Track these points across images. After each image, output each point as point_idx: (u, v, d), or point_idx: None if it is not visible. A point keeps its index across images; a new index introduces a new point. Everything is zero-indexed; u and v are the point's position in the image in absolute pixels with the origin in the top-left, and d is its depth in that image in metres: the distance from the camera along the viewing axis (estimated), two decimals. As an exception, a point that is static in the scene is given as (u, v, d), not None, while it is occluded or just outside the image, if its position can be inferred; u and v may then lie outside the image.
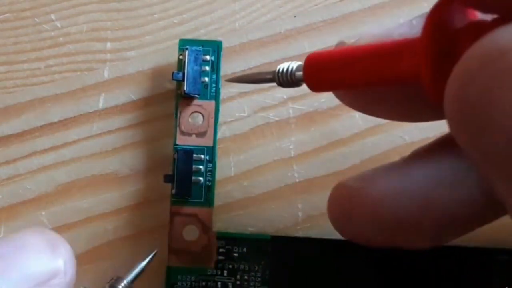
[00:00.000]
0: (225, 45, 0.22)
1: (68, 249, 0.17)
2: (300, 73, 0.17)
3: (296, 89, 0.22)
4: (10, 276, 0.15)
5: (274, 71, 0.17)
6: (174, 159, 0.21)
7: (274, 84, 0.22)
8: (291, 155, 0.22)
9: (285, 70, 0.17)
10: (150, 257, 0.20)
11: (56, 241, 0.17)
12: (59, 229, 0.22)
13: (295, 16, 0.23)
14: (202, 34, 0.23)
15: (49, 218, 0.22)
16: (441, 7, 0.13)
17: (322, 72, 0.16)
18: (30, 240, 0.16)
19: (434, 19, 0.13)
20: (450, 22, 0.13)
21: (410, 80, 0.13)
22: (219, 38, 0.22)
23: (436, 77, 0.13)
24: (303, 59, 0.22)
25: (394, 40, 0.14)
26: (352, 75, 0.15)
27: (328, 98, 0.22)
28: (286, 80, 0.17)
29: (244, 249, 0.21)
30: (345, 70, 0.15)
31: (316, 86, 0.16)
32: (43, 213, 0.22)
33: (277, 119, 0.22)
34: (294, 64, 0.17)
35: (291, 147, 0.22)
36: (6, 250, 0.16)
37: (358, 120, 0.22)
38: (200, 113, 0.22)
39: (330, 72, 0.16)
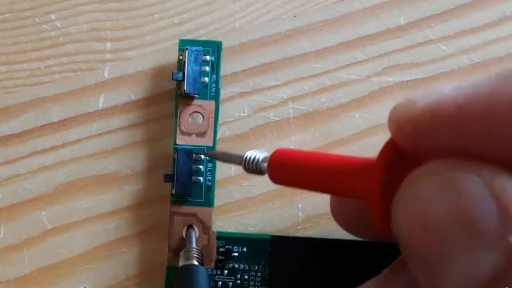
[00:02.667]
0: (225, 45, 0.22)
1: None
2: (265, 165, 0.18)
3: (296, 89, 0.22)
4: None
5: (243, 156, 0.18)
6: (174, 159, 0.21)
7: (275, 83, 0.22)
8: (291, 155, 0.22)
9: (252, 158, 0.18)
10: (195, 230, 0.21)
11: None
12: (59, 229, 0.22)
13: (295, 16, 0.23)
14: (202, 34, 0.23)
15: (49, 218, 0.22)
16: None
17: (284, 170, 0.17)
18: None
19: (392, 147, 0.14)
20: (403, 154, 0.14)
21: (362, 199, 0.15)
22: (219, 38, 0.22)
23: (384, 201, 0.14)
24: (302, 59, 0.22)
25: (355, 158, 0.15)
26: (311, 181, 0.16)
27: (328, 98, 0.22)
28: (252, 168, 0.18)
29: (244, 249, 0.21)
30: (305, 174, 0.16)
31: (277, 181, 0.18)
32: (43, 213, 0.22)
33: (277, 119, 0.22)
34: (261, 155, 0.18)
35: (291, 147, 0.22)
36: None
37: (358, 120, 0.22)
38: (200, 113, 0.22)
39: (292, 172, 0.17)
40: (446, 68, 0.22)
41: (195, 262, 0.20)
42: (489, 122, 0.11)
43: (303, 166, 0.16)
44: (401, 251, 0.13)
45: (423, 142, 0.13)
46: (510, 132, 0.11)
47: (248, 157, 0.18)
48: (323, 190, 0.16)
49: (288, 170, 0.17)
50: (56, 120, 0.22)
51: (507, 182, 0.11)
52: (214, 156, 0.21)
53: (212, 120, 0.21)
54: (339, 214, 0.19)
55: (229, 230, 0.22)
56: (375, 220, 0.14)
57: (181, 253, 0.20)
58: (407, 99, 0.13)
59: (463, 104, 0.12)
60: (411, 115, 0.13)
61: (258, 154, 0.18)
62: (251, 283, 0.21)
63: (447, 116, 0.12)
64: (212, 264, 0.21)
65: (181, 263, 0.20)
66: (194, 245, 0.20)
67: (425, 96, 0.13)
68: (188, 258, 0.20)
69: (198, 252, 0.20)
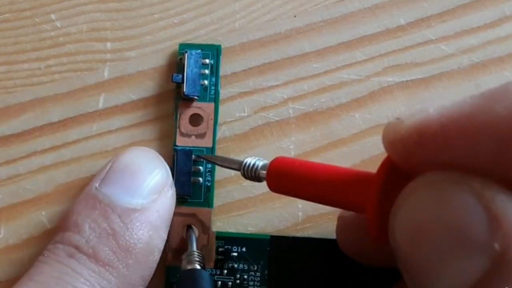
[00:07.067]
0: (225, 45, 0.22)
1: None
2: (263, 173, 0.18)
3: (296, 89, 0.22)
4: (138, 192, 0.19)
5: (241, 162, 0.19)
6: (173, 160, 0.21)
7: (275, 83, 0.22)
8: (291, 155, 0.22)
9: (251, 165, 0.18)
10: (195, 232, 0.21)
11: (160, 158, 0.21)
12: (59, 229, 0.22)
13: (295, 16, 0.23)
14: (202, 34, 0.23)
15: (49, 218, 0.22)
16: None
17: (283, 179, 0.17)
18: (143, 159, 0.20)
19: (390, 162, 0.14)
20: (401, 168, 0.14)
21: (359, 211, 0.15)
22: (219, 38, 0.22)
23: (381, 214, 0.14)
24: (302, 59, 0.22)
25: (354, 170, 0.16)
26: (309, 192, 0.17)
27: (328, 98, 0.22)
28: (250, 174, 0.18)
29: (243, 249, 0.21)
30: (303, 185, 0.17)
31: (275, 189, 0.18)
32: (43, 213, 0.22)
33: (277, 119, 0.22)
34: (260, 162, 0.18)
35: (291, 147, 0.22)
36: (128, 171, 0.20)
37: (358, 120, 0.22)
38: (200, 114, 0.22)
39: (290, 182, 0.17)
40: (446, 68, 0.22)
41: (198, 266, 0.20)
42: (471, 140, 0.12)
43: (302, 177, 0.17)
44: (396, 263, 0.13)
45: (413, 159, 0.13)
46: (490, 149, 0.12)
47: (247, 164, 0.18)
48: (321, 201, 0.16)
49: (287, 179, 0.17)
50: (56, 120, 0.22)
51: (496, 193, 0.12)
52: (212, 160, 0.21)
53: (211, 122, 0.21)
54: (346, 243, 0.19)
55: (229, 230, 0.22)
56: (371, 231, 0.14)
57: (183, 257, 0.20)
58: (397, 118, 0.14)
59: (447, 123, 0.12)
60: (399, 134, 0.13)
61: (257, 161, 0.18)
62: (250, 283, 0.21)
63: (432, 135, 0.13)
64: (212, 264, 0.21)
65: (183, 267, 0.20)
66: (195, 248, 0.20)
67: (412, 115, 0.13)
68: (190, 262, 0.20)
69: (200, 256, 0.20)
